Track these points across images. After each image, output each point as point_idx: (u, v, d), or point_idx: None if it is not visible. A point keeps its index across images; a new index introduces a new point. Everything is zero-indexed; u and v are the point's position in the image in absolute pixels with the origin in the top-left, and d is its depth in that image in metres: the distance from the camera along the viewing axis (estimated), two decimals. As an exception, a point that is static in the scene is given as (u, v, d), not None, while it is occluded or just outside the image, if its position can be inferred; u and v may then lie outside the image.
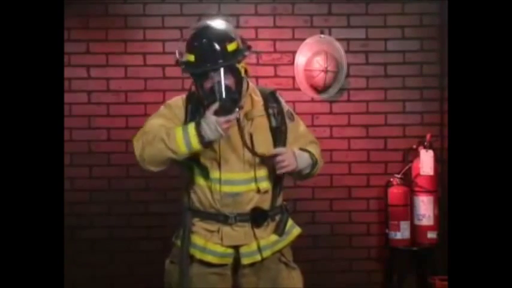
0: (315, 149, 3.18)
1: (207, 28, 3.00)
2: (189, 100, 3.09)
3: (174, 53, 3.03)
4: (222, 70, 2.91)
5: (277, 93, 3.17)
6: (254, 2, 4.96)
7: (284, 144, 3.10)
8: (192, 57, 2.96)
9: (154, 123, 3.04)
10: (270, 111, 3.09)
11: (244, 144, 2.98)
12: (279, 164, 3.00)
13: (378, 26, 5.00)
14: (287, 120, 3.13)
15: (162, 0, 4.96)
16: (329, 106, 5.00)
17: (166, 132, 2.96)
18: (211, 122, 2.89)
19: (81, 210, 4.91)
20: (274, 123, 3.09)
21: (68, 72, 4.74)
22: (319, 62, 4.85)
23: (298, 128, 3.19)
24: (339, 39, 4.94)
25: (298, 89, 4.92)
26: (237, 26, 4.90)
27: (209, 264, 3.03)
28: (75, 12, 4.84)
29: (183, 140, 2.93)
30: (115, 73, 4.95)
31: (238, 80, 2.99)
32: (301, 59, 4.93)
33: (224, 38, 2.97)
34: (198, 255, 3.03)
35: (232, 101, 2.92)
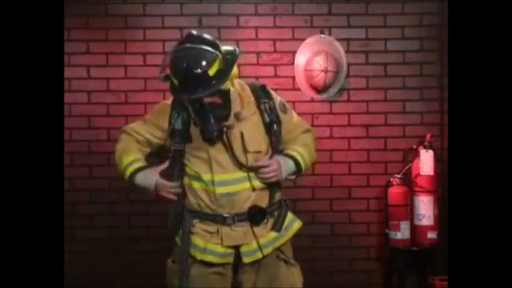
0: (305, 142, 3.16)
1: (187, 54, 2.93)
2: (174, 106, 3.10)
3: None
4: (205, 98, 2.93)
5: (267, 87, 3.15)
6: (254, 2, 4.95)
7: (279, 138, 3.10)
8: (176, 82, 2.95)
9: (133, 127, 3.21)
10: (262, 107, 3.08)
11: (236, 159, 3.00)
12: (263, 175, 3.02)
13: (378, 26, 5.00)
14: (280, 114, 3.11)
15: (162, 0, 4.96)
16: (329, 106, 5.00)
17: (120, 155, 3.19)
18: (153, 182, 3.08)
19: (81, 210, 4.91)
20: (267, 119, 3.07)
21: (68, 72, 4.73)
22: (319, 62, 4.85)
23: (291, 120, 3.17)
24: (339, 39, 4.94)
25: (298, 89, 4.92)
26: (237, 26, 4.91)
27: (210, 264, 3.04)
28: (75, 12, 4.84)
29: (123, 172, 3.18)
30: (115, 73, 4.95)
31: (226, 94, 2.99)
32: (301, 59, 4.92)
33: (205, 62, 2.89)
34: (199, 255, 3.03)
35: (219, 121, 2.95)
